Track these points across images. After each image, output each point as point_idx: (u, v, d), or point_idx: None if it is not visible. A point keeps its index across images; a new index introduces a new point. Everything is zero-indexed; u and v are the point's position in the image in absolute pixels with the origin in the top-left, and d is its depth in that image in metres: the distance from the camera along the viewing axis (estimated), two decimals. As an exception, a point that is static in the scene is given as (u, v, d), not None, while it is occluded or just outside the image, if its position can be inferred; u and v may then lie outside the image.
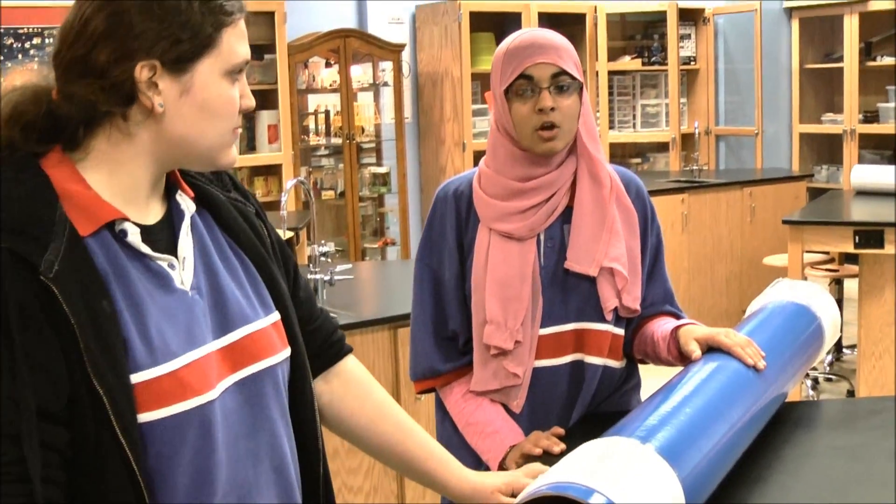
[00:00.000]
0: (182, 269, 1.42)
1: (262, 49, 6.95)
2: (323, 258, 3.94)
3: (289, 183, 4.00)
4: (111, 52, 1.33)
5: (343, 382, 1.74)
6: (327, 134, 7.40)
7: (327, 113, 7.39)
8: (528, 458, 2.03)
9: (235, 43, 1.39)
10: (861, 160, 7.98)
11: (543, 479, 1.48)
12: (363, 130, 7.55)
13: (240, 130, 1.45)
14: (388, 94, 7.71)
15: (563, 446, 2.00)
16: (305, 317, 1.68)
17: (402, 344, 3.58)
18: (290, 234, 4.30)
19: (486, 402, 2.20)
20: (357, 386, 1.75)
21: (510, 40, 2.16)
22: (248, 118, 7.06)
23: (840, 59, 8.21)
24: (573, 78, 2.12)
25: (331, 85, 7.39)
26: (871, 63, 8.09)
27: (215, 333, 1.42)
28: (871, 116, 8.13)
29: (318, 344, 1.70)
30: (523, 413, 2.19)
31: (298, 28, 7.17)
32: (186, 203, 1.47)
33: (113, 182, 1.38)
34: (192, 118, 1.38)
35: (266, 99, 7.07)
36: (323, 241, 4.02)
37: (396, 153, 7.59)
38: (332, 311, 3.63)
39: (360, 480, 3.56)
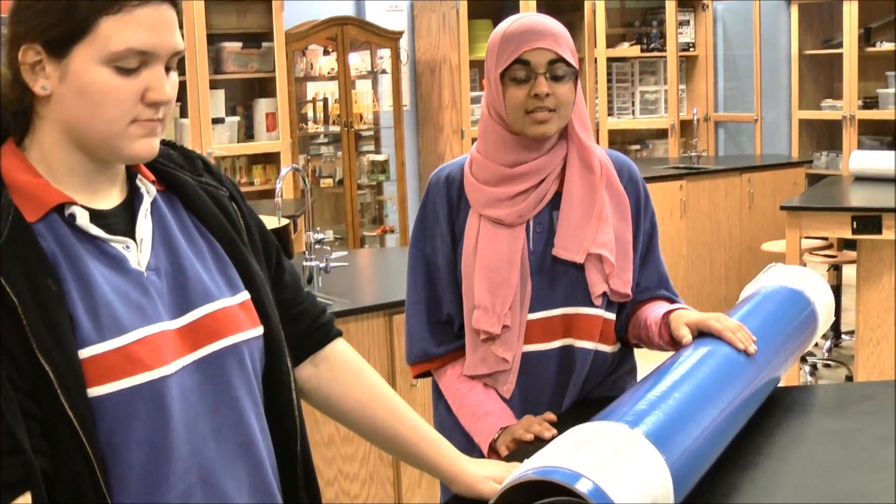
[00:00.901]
0: (139, 250, 1.42)
1: (259, 37, 6.94)
2: (319, 245, 3.94)
3: (284, 170, 3.99)
4: (9, 35, 1.36)
5: (331, 366, 1.74)
6: (325, 122, 7.39)
7: (325, 101, 7.38)
8: (520, 443, 2.03)
9: (120, 31, 1.34)
10: (860, 146, 7.97)
11: (530, 463, 1.47)
12: (361, 118, 7.55)
13: (155, 124, 1.40)
14: (386, 82, 7.71)
15: (554, 431, 1.99)
16: (290, 300, 1.68)
17: (397, 331, 3.58)
18: (286, 221, 4.29)
19: (479, 385, 2.21)
20: (346, 369, 1.75)
21: (507, 24, 2.15)
22: (247, 107, 7.06)
23: (839, 45, 8.19)
24: (569, 65, 2.11)
25: (329, 73, 7.38)
26: (871, 49, 8.07)
27: (174, 312, 1.42)
28: (870, 102, 8.11)
29: (304, 327, 1.71)
30: (514, 398, 2.20)
31: (296, 16, 7.16)
32: (146, 186, 1.48)
33: (53, 167, 1.40)
34: (73, 104, 1.36)
35: (264, 87, 7.07)
36: (318, 228, 4.02)
37: (395, 141, 7.59)
38: (328, 298, 3.65)
39: (356, 467, 3.56)
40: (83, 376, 1.30)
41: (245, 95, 7.16)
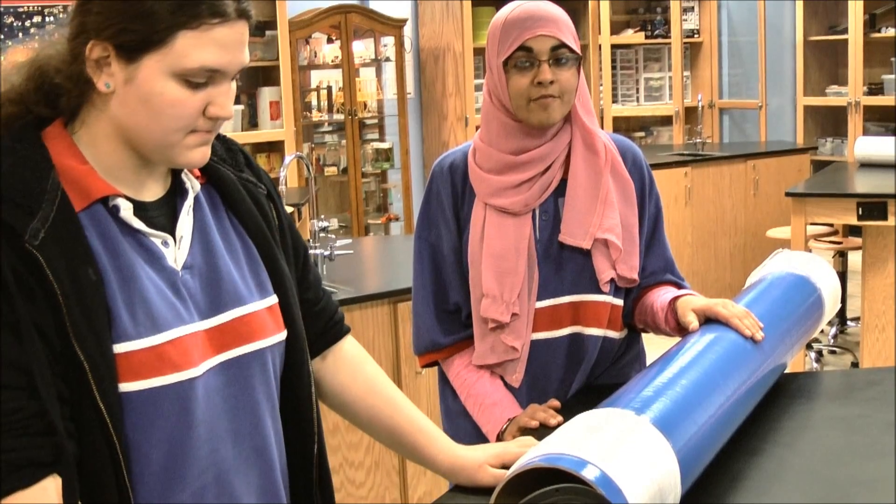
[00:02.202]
0: (177, 247, 1.43)
1: (263, 25, 6.92)
2: (323, 234, 3.94)
3: (287, 158, 3.99)
4: (76, 25, 1.36)
5: (337, 358, 1.76)
6: (329, 110, 7.38)
7: (329, 89, 7.37)
8: (525, 432, 2.03)
9: (194, 48, 1.34)
10: (866, 132, 7.95)
11: (536, 450, 1.47)
12: (365, 106, 7.54)
13: (209, 135, 1.41)
14: (390, 70, 7.70)
15: (559, 418, 1.99)
16: (312, 299, 1.71)
17: (402, 319, 3.58)
18: (290, 209, 4.29)
19: (487, 374, 2.21)
20: (350, 361, 1.77)
21: (508, 10, 2.13)
22: (251, 95, 7.05)
23: (844, 31, 8.17)
24: (572, 51, 2.10)
25: (332, 61, 7.37)
26: (876, 35, 8.05)
27: (205, 313, 1.44)
28: (875, 88, 8.09)
29: (321, 325, 1.73)
30: (522, 386, 2.19)
31: (299, 4, 7.15)
32: (191, 181, 1.48)
33: (101, 158, 1.40)
34: (135, 108, 1.36)
35: (268, 75, 7.06)
36: (322, 216, 4.02)
37: (399, 129, 7.58)
38: (332, 287, 3.64)
39: (361, 455, 3.56)
40: (116, 370, 1.32)
41: (249, 84, 7.14)
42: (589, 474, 1.36)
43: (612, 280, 2.16)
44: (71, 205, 1.34)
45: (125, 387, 1.33)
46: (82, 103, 1.40)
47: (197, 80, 1.36)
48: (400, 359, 3.61)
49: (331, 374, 1.74)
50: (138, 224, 1.40)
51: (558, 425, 1.96)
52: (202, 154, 1.42)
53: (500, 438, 2.11)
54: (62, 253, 1.30)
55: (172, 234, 1.44)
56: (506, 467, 1.66)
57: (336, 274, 3.87)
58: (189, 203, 1.47)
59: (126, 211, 1.39)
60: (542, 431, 1.93)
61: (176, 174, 1.48)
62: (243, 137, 6.90)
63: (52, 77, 1.39)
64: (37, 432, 1.26)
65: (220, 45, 1.36)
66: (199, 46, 1.34)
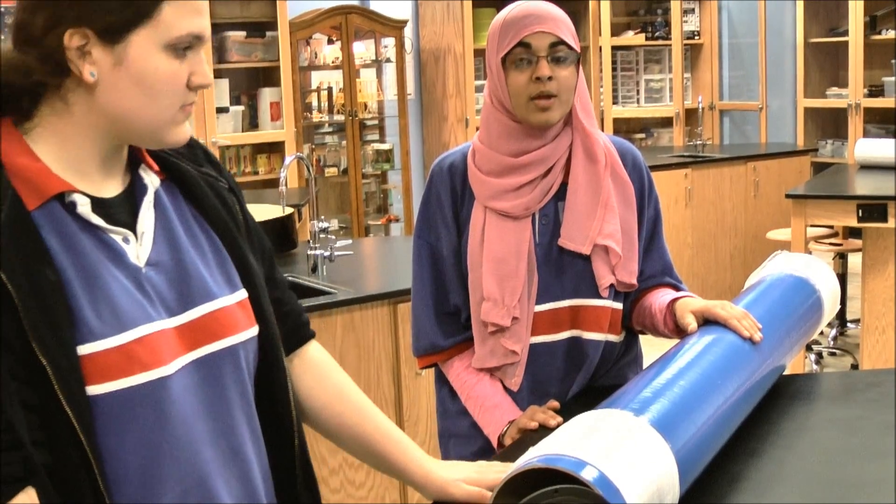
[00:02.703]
0: (139, 244, 1.39)
1: (263, 26, 6.93)
2: (323, 234, 3.94)
3: (288, 159, 3.99)
4: (46, 18, 1.31)
5: (303, 363, 1.70)
6: (330, 111, 7.39)
7: (330, 90, 7.37)
8: (525, 433, 2.03)
9: (179, 16, 1.33)
10: (866, 134, 7.95)
11: (535, 451, 1.47)
12: (366, 107, 7.54)
13: (192, 108, 1.40)
14: (390, 71, 7.70)
15: (559, 419, 1.99)
16: (281, 298, 1.66)
17: (402, 319, 3.58)
18: (290, 210, 4.29)
19: (487, 377, 2.20)
20: (316, 368, 1.71)
21: (507, 11, 2.14)
22: (251, 96, 7.06)
23: (845, 33, 8.17)
24: (571, 48, 2.10)
25: (333, 62, 7.37)
26: (877, 37, 8.05)
27: (174, 310, 1.39)
28: (876, 90, 8.09)
29: (289, 326, 1.67)
30: (522, 389, 2.19)
31: (300, 5, 7.15)
32: (150, 177, 1.44)
33: (62, 154, 1.35)
34: (128, 91, 1.33)
35: (268, 76, 7.07)
36: (323, 217, 4.02)
37: (399, 130, 7.58)
38: (332, 287, 3.64)
39: (362, 476, 3.56)
40: (82, 373, 1.27)
41: (249, 84, 7.15)
42: (588, 475, 1.36)
43: (611, 285, 2.16)
44: (23, 204, 1.29)
45: (93, 389, 1.28)
46: (37, 100, 1.35)
47: (184, 49, 1.35)
48: (400, 360, 3.61)
49: (296, 380, 1.67)
50: (97, 220, 1.35)
51: (557, 426, 1.96)
52: (186, 131, 1.40)
53: (500, 441, 2.11)
54: (16, 254, 1.25)
55: (134, 230, 1.39)
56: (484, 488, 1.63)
57: (336, 275, 3.87)
58: (149, 198, 1.42)
59: (83, 207, 1.34)
60: (541, 433, 1.93)
61: (134, 170, 1.44)
62: (244, 138, 6.91)
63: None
64: (5, 448, 1.21)
65: (197, 10, 1.36)
66: (183, 14, 1.34)
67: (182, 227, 1.46)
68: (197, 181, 1.50)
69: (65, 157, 1.36)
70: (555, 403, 2.09)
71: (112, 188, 1.41)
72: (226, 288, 1.47)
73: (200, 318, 1.42)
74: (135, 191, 1.42)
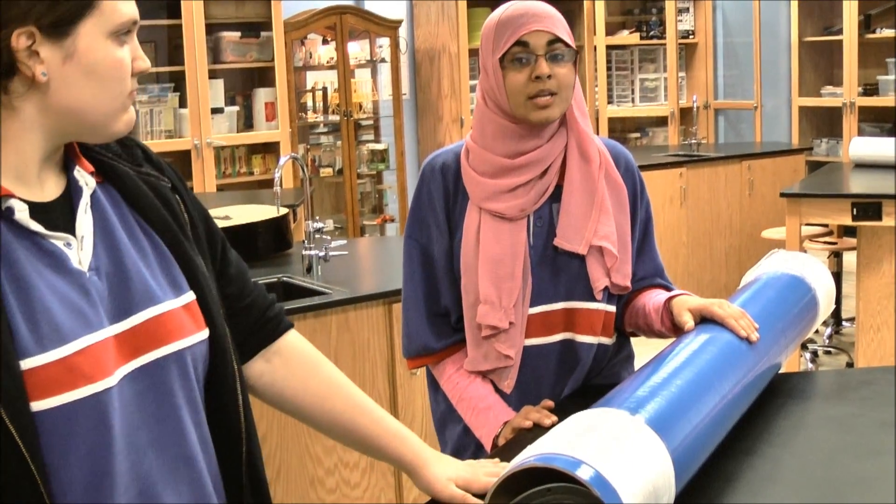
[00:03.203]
0: (80, 248, 1.34)
1: (258, 26, 6.93)
2: (318, 235, 3.94)
3: (282, 159, 3.99)
4: None
5: (285, 361, 1.66)
6: (325, 111, 7.39)
7: (325, 90, 7.37)
8: (519, 432, 2.02)
9: (118, 3, 1.32)
10: (861, 133, 7.96)
11: (530, 450, 1.47)
12: (361, 107, 7.54)
13: (136, 94, 1.38)
14: (385, 71, 7.70)
15: (553, 418, 1.99)
16: (236, 293, 1.61)
17: (396, 319, 3.57)
18: (285, 210, 4.29)
19: (479, 378, 2.19)
20: (300, 364, 1.67)
21: (502, 10, 2.13)
22: (246, 96, 7.05)
23: (839, 31, 8.18)
24: (568, 46, 2.10)
25: (328, 62, 7.37)
26: (871, 35, 8.05)
27: (115, 317, 1.34)
28: (870, 89, 8.10)
29: (252, 321, 1.63)
30: (514, 392, 2.18)
31: (294, 5, 7.15)
32: (85, 178, 1.39)
33: (6, 159, 1.31)
34: (80, 84, 1.31)
35: (263, 77, 7.06)
36: (318, 218, 4.02)
37: (394, 130, 7.58)
38: (326, 287, 3.64)
39: (356, 456, 3.55)
40: (24, 389, 1.22)
41: (244, 85, 7.15)
42: (583, 474, 1.36)
43: (605, 288, 2.16)
44: None
45: (37, 405, 1.23)
46: None
47: (125, 36, 1.34)
48: (395, 359, 3.61)
49: (281, 378, 1.65)
50: (36, 226, 1.29)
51: (552, 425, 1.96)
52: (132, 119, 1.38)
53: (495, 443, 2.11)
54: None
55: (73, 234, 1.34)
56: (472, 493, 1.63)
57: (331, 275, 3.87)
58: (86, 201, 1.37)
59: (21, 213, 1.28)
60: (536, 432, 1.93)
61: (69, 173, 1.39)
62: (238, 139, 6.91)
63: None
64: None
65: None
66: (120, 0, 1.33)
67: (123, 229, 1.41)
68: (136, 182, 1.46)
69: (5, 162, 1.31)
70: (549, 402, 2.09)
71: (49, 192, 1.36)
72: (170, 292, 1.43)
73: (143, 323, 1.37)
74: (71, 193, 1.38)
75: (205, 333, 1.46)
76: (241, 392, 1.51)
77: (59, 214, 1.35)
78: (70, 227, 1.35)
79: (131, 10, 1.35)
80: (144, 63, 1.37)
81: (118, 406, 1.31)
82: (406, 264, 2.24)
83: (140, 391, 1.35)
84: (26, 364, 1.23)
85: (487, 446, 2.13)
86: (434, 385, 2.31)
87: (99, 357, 1.30)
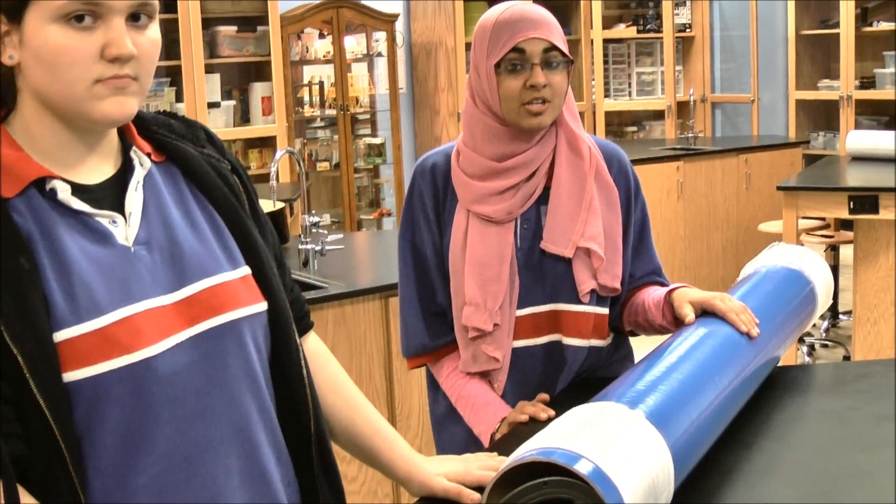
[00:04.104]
0: (128, 224, 1.37)
1: (254, 21, 6.92)
2: (314, 229, 3.94)
3: (278, 153, 3.99)
4: None
5: None
6: (322, 105, 7.38)
7: (321, 84, 7.36)
8: (515, 427, 2.02)
9: None
10: (858, 126, 7.95)
11: (529, 444, 1.46)
12: (357, 101, 7.54)
13: (122, 81, 1.34)
14: (382, 65, 7.69)
15: (550, 412, 1.98)
16: (286, 285, 1.63)
17: (393, 313, 3.57)
18: (281, 204, 4.29)
19: (477, 376, 2.19)
20: (312, 359, 1.68)
21: (497, 12, 2.11)
22: (242, 91, 7.04)
23: (836, 25, 8.17)
24: (563, 54, 2.09)
25: (324, 56, 7.36)
26: (868, 29, 8.05)
27: (168, 287, 1.38)
28: (867, 82, 8.09)
29: (293, 315, 1.63)
30: (505, 393, 2.18)
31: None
32: (140, 158, 1.43)
33: (38, 142, 1.35)
34: (35, 69, 1.31)
35: (259, 71, 7.05)
36: (314, 212, 4.02)
37: (391, 124, 7.58)
38: (323, 281, 3.64)
39: (354, 471, 3.55)
40: (57, 360, 1.25)
41: (240, 79, 7.14)
42: (582, 468, 1.36)
43: (593, 290, 2.14)
44: None
45: (70, 376, 1.26)
46: (13, 92, 1.35)
47: (77, 18, 1.30)
48: (391, 353, 3.61)
49: None
50: (79, 205, 1.34)
51: (549, 419, 1.96)
52: (118, 105, 1.34)
53: (493, 439, 2.10)
54: None
55: (122, 212, 1.38)
56: (468, 486, 1.64)
57: (327, 269, 3.86)
58: (137, 179, 1.40)
59: (64, 193, 1.33)
60: (533, 427, 1.92)
61: (126, 154, 1.43)
62: (235, 133, 6.90)
63: None
64: None
65: None
66: None
67: (178, 206, 1.45)
68: (198, 160, 1.50)
69: (42, 145, 1.35)
70: (544, 396, 2.08)
71: (100, 174, 1.39)
72: (226, 264, 1.45)
73: (197, 293, 1.40)
74: (125, 175, 1.41)
75: (263, 306, 1.48)
76: (305, 367, 1.54)
77: (108, 194, 1.38)
78: (119, 206, 1.38)
79: None
80: (119, 49, 1.31)
81: (162, 376, 1.33)
82: (400, 264, 2.24)
83: (192, 361, 1.37)
84: (62, 335, 1.27)
85: (486, 442, 2.12)
86: (434, 385, 2.31)
87: (140, 328, 1.32)
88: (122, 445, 1.31)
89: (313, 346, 1.72)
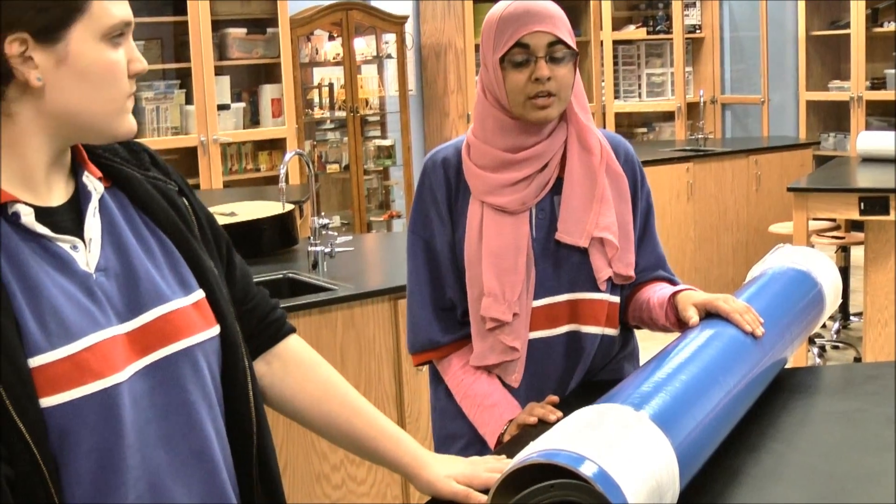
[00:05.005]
0: (88, 250, 1.37)
1: (264, 23, 6.93)
2: (325, 231, 3.94)
3: (287, 155, 3.99)
4: None
5: (283, 364, 1.69)
6: (331, 107, 7.38)
7: (331, 86, 7.37)
8: (523, 428, 2.02)
9: (109, 5, 1.34)
10: (868, 127, 7.93)
11: (534, 446, 1.46)
12: (367, 103, 7.54)
13: (133, 98, 1.40)
14: (391, 67, 7.70)
15: (559, 414, 1.98)
16: (240, 297, 1.63)
17: (402, 315, 3.56)
18: (290, 206, 4.29)
19: (484, 375, 2.19)
20: (298, 366, 1.69)
21: (503, 7, 2.11)
22: (252, 93, 7.05)
23: (847, 25, 8.15)
24: (568, 47, 2.09)
25: (334, 58, 7.37)
26: (878, 29, 8.03)
27: (124, 316, 1.38)
28: (878, 83, 8.07)
29: (253, 324, 1.65)
30: (521, 385, 2.18)
31: (300, 2, 7.14)
32: (93, 183, 1.42)
33: (6, 165, 1.33)
34: (74, 88, 1.33)
35: (269, 73, 7.06)
36: (324, 214, 4.02)
37: (401, 126, 7.58)
38: (332, 283, 3.64)
39: (363, 473, 3.56)
40: (33, 386, 1.25)
41: (250, 81, 7.15)
42: (587, 470, 1.36)
43: (609, 278, 2.15)
44: None
45: (46, 402, 1.26)
46: None
47: (119, 38, 1.35)
48: (401, 355, 3.61)
49: (279, 380, 1.67)
50: (42, 229, 1.33)
51: (557, 421, 1.96)
52: (133, 122, 1.40)
53: (499, 441, 2.10)
54: None
55: (81, 237, 1.37)
56: (475, 487, 1.63)
57: (336, 271, 3.86)
58: (94, 204, 1.40)
59: (27, 217, 1.32)
60: (540, 428, 1.92)
61: (78, 179, 1.42)
62: (245, 135, 6.91)
63: None
64: None
65: None
66: (111, 2, 1.34)
67: (131, 231, 1.45)
68: (144, 185, 1.49)
69: (8, 168, 1.34)
70: (553, 398, 2.08)
71: (56, 197, 1.39)
72: (179, 290, 1.46)
73: (152, 321, 1.40)
74: (79, 198, 1.41)
75: (215, 330, 1.49)
76: (252, 388, 1.54)
77: (66, 218, 1.38)
78: (78, 231, 1.38)
79: (123, 12, 1.36)
80: (141, 64, 1.38)
81: (128, 402, 1.34)
82: (410, 259, 2.24)
83: (151, 387, 1.38)
84: (36, 361, 1.27)
85: (492, 444, 2.12)
86: (436, 380, 2.30)
87: (108, 354, 1.33)
88: (97, 470, 1.31)
89: (298, 353, 1.71)
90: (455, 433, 2.25)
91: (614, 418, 1.51)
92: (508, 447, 1.92)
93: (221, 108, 6.75)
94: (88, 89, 1.34)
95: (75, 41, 1.32)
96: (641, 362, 2.22)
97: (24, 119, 1.34)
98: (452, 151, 2.21)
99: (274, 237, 4.24)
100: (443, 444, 2.29)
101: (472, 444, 2.20)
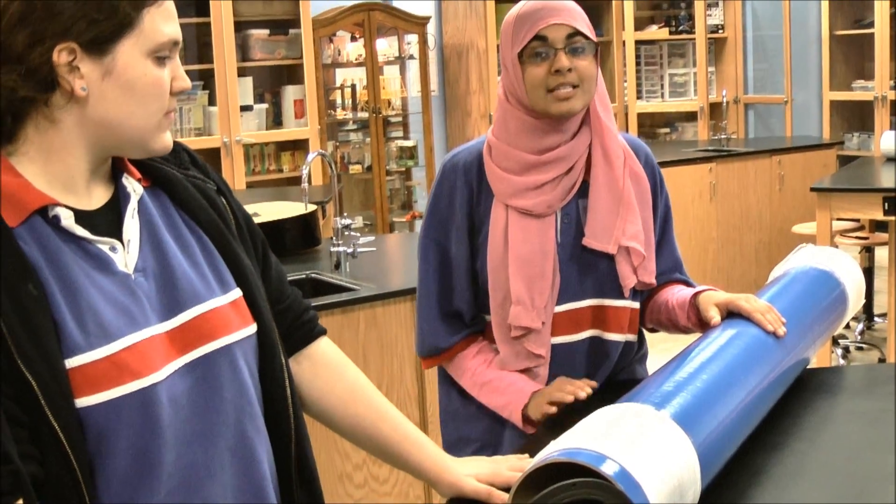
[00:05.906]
0: (126, 251, 1.40)
1: (286, 24, 6.95)
2: (347, 231, 3.95)
3: (310, 156, 4.00)
4: (27, 36, 1.31)
5: (312, 364, 1.71)
6: (354, 108, 7.40)
7: (353, 87, 7.38)
8: (560, 409, 2.00)
9: (159, 23, 1.37)
10: (892, 127, 7.88)
11: (554, 445, 1.47)
12: (389, 104, 7.55)
13: (174, 115, 1.43)
14: (413, 67, 7.71)
15: (589, 390, 1.99)
16: (275, 296, 1.65)
17: (424, 316, 3.56)
18: (313, 207, 4.30)
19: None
20: (327, 367, 1.72)
21: (520, 5, 2.11)
22: (275, 94, 7.07)
23: (871, 24, 8.10)
24: (587, 38, 2.08)
25: (356, 59, 7.38)
26: (902, 28, 7.98)
27: (163, 315, 1.40)
28: (902, 83, 8.02)
29: (286, 325, 1.67)
30: None
31: (323, 2, 7.16)
32: (133, 185, 1.45)
33: (47, 170, 1.36)
34: (117, 101, 1.36)
35: (292, 74, 7.08)
36: (346, 214, 4.03)
37: (423, 126, 7.59)
38: (355, 283, 3.65)
39: (385, 472, 3.56)
40: (69, 386, 1.27)
41: (273, 82, 7.17)
42: (608, 469, 1.36)
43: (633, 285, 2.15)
44: (2, 222, 1.30)
45: (83, 402, 1.29)
46: (22, 121, 1.36)
47: (165, 55, 1.38)
48: (422, 356, 3.61)
49: (308, 381, 1.69)
50: (82, 231, 1.36)
51: (587, 399, 1.96)
52: (170, 138, 1.45)
53: (525, 416, 2.07)
54: None
55: (120, 239, 1.40)
56: (496, 486, 1.64)
57: (359, 271, 3.87)
58: (133, 206, 1.43)
59: (67, 220, 1.35)
60: (565, 421, 1.92)
61: (117, 181, 1.45)
62: (267, 136, 6.93)
63: None
64: None
65: (172, 15, 1.40)
66: (162, 20, 1.38)
67: (169, 231, 1.47)
68: (183, 184, 1.52)
69: (51, 173, 1.37)
70: (592, 382, 2.07)
71: (96, 200, 1.42)
72: (217, 289, 1.48)
73: (190, 321, 1.43)
74: (119, 200, 1.44)
75: (252, 328, 1.51)
76: (289, 385, 1.56)
77: (105, 220, 1.41)
78: (117, 233, 1.41)
79: (172, 31, 1.39)
80: (184, 82, 1.42)
81: (166, 400, 1.36)
82: (421, 262, 2.22)
83: (189, 386, 1.40)
84: (75, 361, 1.29)
85: (517, 420, 2.10)
86: (446, 382, 2.29)
87: (146, 354, 1.35)
88: (132, 469, 1.33)
89: (327, 354, 1.73)
90: (467, 437, 2.24)
91: (635, 417, 1.51)
92: (529, 446, 1.91)
93: (244, 109, 6.77)
94: (130, 103, 1.37)
95: (123, 55, 1.35)
96: (659, 364, 2.22)
97: (67, 126, 1.36)
98: (472, 154, 2.19)
99: (297, 238, 4.25)
100: (454, 447, 2.25)
101: (485, 447, 2.18)
